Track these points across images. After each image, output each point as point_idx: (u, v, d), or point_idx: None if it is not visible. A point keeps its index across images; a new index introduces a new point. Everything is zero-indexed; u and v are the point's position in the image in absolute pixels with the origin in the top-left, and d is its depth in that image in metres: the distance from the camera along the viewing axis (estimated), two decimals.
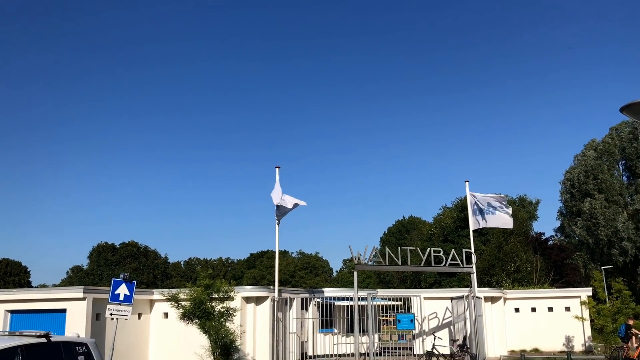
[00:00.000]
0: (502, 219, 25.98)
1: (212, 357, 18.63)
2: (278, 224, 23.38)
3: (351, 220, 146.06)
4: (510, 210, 25.93)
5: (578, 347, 27.26)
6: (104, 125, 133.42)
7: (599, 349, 25.67)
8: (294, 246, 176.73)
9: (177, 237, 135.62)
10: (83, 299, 19.64)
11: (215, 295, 18.58)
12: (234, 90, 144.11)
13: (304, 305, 25.79)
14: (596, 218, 46.48)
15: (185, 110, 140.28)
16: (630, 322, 21.87)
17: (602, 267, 42.97)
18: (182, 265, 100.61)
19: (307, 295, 26.04)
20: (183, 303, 18.33)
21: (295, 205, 23.11)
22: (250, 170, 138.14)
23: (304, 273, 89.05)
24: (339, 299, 26.73)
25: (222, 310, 18.59)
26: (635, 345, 21.14)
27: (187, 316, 18.26)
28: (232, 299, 19.56)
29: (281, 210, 23.08)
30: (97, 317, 20.05)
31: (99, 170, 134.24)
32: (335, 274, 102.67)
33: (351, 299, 23.88)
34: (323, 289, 29.46)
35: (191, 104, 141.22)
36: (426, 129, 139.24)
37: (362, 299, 23.73)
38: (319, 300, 26.58)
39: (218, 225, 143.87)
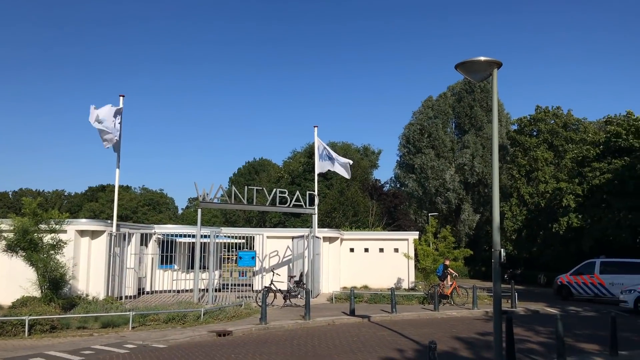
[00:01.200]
0: (344, 169, 27.93)
1: (40, 291, 17.57)
2: (114, 151, 21.98)
3: (201, 159, 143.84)
4: (347, 165, 28.00)
5: (403, 284, 29.92)
6: None
7: (420, 286, 28.34)
8: (137, 182, 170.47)
9: (5, 166, 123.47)
10: None
11: (44, 226, 17.37)
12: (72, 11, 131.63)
13: (144, 241, 25.15)
14: (426, 172, 50.52)
15: (25, 37, 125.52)
16: (447, 263, 24.49)
17: (428, 214, 47.20)
18: (10, 196, 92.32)
19: (147, 231, 25.40)
20: (6, 234, 16.92)
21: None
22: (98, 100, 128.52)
23: (147, 209, 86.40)
24: (181, 235, 26.44)
25: (52, 242, 17.49)
26: (449, 283, 23.82)
27: (11, 248, 16.92)
28: (63, 231, 18.43)
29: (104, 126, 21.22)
30: None
31: None
32: (181, 212, 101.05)
33: (194, 235, 23.72)
34: (165, 225, 28.88)
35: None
36: (281, 74, 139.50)
37: (205, 236, 23.66)
38: (159, 236, 26.10)
39: (54, 155, 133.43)
